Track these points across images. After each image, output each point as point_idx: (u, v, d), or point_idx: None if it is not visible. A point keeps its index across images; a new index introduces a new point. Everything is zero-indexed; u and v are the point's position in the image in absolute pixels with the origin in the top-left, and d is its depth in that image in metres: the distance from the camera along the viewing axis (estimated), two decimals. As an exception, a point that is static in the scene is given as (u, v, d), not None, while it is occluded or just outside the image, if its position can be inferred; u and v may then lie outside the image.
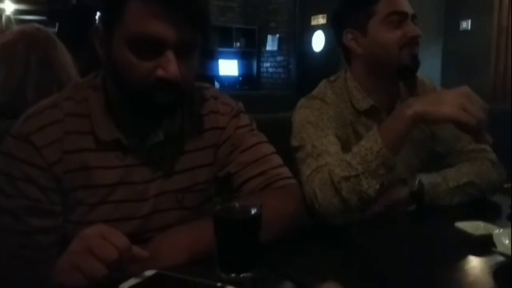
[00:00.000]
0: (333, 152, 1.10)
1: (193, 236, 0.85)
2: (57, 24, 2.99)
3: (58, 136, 0.88)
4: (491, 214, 1.16)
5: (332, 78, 1.29)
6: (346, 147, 1.14)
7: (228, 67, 6.82)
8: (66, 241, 0.77)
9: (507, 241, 0.82)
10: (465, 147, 1.26)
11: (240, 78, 6.89)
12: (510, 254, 0.79)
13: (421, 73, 1.27)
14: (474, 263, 0.88)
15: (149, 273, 0.77)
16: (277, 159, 1.02)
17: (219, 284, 0.74)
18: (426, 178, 1.16)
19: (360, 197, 1.02)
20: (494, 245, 0.81)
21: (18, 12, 5.68)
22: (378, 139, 1.01)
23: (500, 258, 0.81)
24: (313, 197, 1.06)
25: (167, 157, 0.96)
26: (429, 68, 3.97)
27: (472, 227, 0.94)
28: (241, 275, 0.77)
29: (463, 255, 0.89)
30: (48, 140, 0.87)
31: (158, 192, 0.95)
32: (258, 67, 7.00)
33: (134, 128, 0.92)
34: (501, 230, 0.85)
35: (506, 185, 1.24)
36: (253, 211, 0.79)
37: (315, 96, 1.24)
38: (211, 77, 6.33)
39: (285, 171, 1.02)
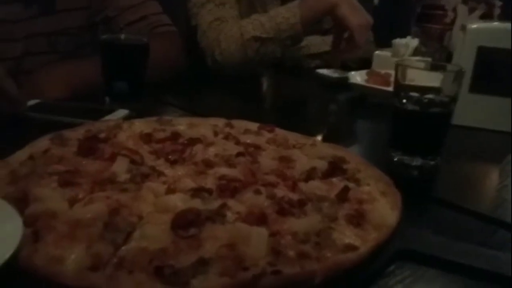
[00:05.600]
0: (233, 2, 1.10)
1: (71, 71, 0.85)
2: None
3: None
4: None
5: None
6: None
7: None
8: None
9: (359, 78, 0.98)
10: None
11: None
12: (360, 83, 0.96)
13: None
14: (332, 95, 1.05)
15: (31, 102, 0.76)
16: (156, 6, 1.03)
17: (108, 107, 0.76)
18: None
19: (262, 58, 1.06)
20: (349, 79, 0.97)
21: None
22: (297, 14, 1.02)
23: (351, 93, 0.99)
24: (215, 44, 1.06)
25: None
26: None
27: (330, 72, 1.09)
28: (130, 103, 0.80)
29: (325, 91, 1.08)
30: None
31: (28, 33, 0.90)
32: None
33: None
34: (357, 72, 1.01)
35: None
36: (141, 39, 0.80)
37: None
38: None
39: (165, 18, 1.03)
